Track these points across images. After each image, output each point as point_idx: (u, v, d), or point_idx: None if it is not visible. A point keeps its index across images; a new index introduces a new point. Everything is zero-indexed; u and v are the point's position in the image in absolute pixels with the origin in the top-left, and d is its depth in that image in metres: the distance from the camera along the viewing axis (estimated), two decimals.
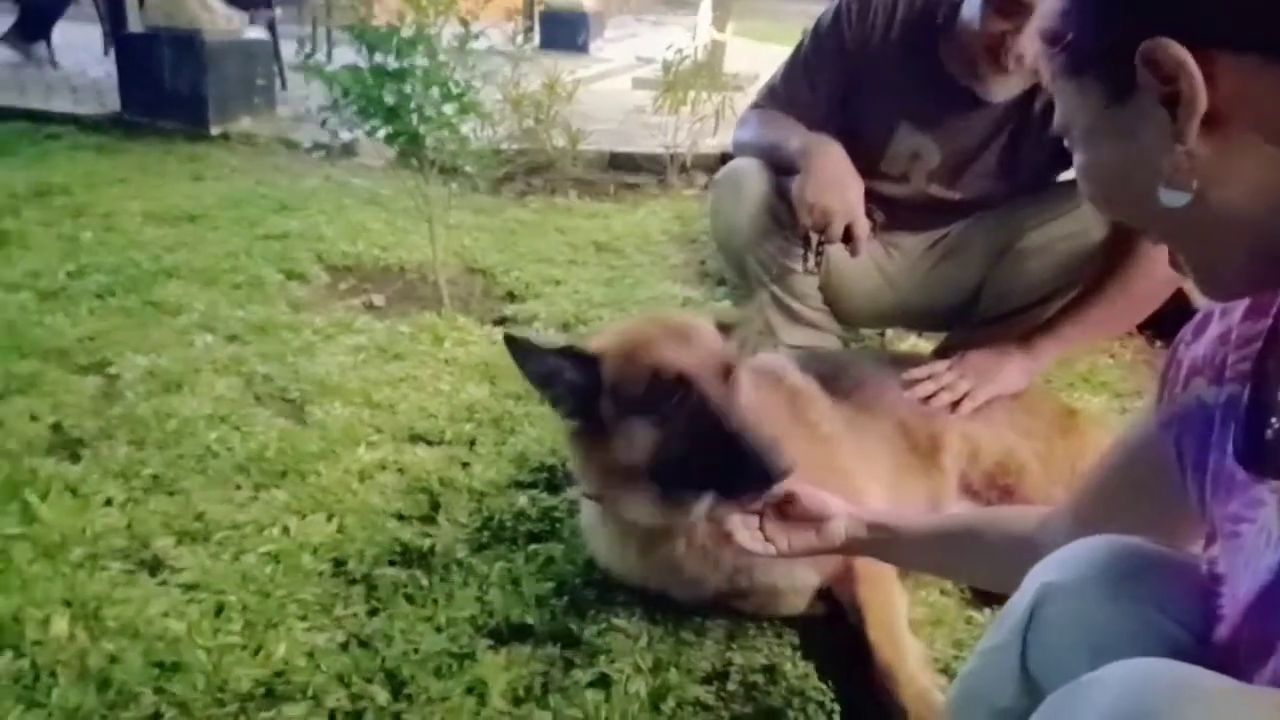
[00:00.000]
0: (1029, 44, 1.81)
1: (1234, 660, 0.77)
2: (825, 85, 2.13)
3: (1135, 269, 1.93)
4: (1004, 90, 1.95)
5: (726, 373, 1.37)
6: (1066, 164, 2.07)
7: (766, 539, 1.34)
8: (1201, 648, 0.82)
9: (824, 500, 1.33)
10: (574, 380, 1.40)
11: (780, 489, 1.32)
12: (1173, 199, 0.69)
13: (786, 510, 1.34)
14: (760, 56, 6.78)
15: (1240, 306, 0.82)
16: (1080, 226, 1.99)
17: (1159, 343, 2.76)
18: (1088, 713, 0.68)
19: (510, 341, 1.38)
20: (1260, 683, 0.71)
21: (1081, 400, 2.40)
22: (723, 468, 1.30)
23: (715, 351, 1.40)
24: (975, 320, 2.16)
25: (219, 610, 1.52)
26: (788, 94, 2.18)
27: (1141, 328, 2.67)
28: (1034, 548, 1.04)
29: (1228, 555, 0.80)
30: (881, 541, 1.31)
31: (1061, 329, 2.00)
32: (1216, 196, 0.68)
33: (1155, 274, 1.92)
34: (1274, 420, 0.75)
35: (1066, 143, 0.78)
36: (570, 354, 1.41)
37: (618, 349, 1.41)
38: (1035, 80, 1.94)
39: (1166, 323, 2.61)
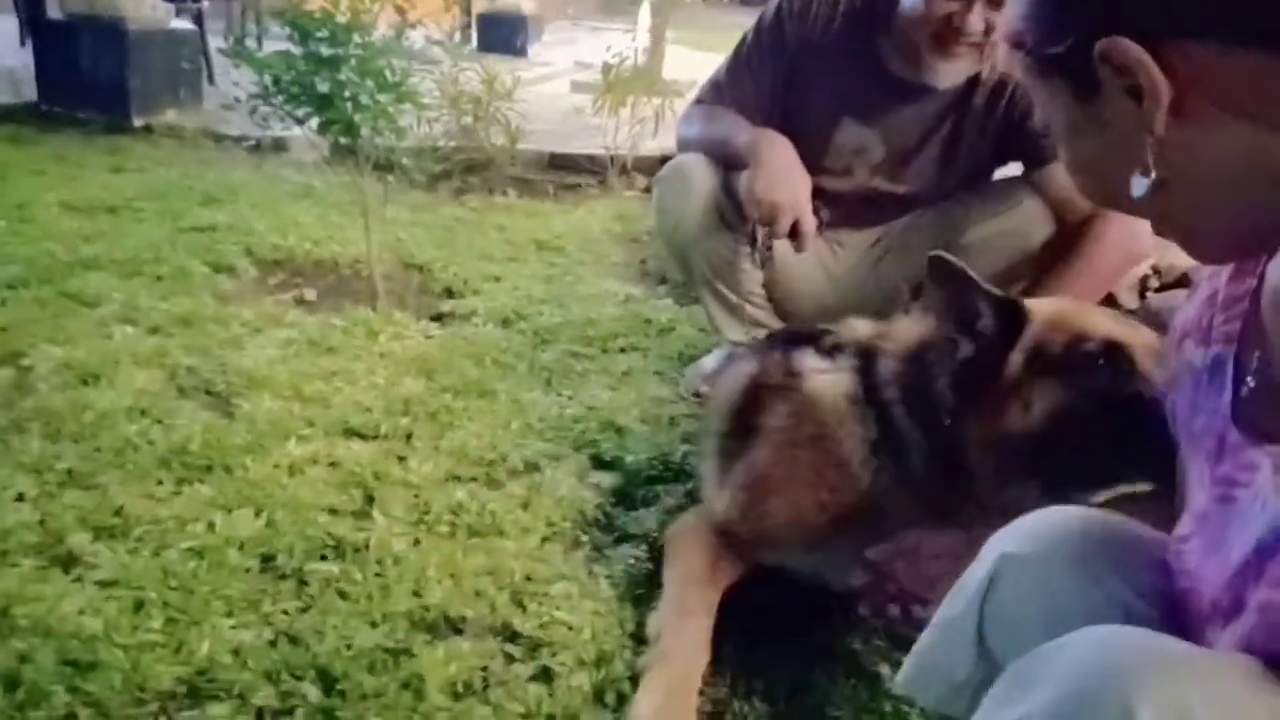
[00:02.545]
0: (976, 21, 1.84)
1: (1207, 622, 0.76)
2: (768, 81, 2.13)
3: (1077, 266, 1.96)
4: (951, 75, 1.97)
5: (1159, 357, 1.25)
6: (1007, 156, 2.11)
7: (924, 604, 1.21)
8: (1165, 622, 0.82)
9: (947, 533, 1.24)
10: (987, 327, 1.32)
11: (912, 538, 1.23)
12: (1143, 186, 0.69)
13: (918, 554, 1.25)
14: (697, 64, 6.81)
15: (1227, 268, 0.82)
16: (1019, 224, 2.02)
17: None
18: (1053, 677, 0.67)
19: (940, 262, 1.31)
20: (1225, 643, 0.71)
21: None
22: (1125, 449, 1.19)
23: (1150, 335, 1.31)
24: None
25: (138, 607, 1.44)
26: (731, 89, 2.17)
27: None
28: None
29: (1214, 518, 0.78)
30: None
31: None
32: (1195, 176, 0.69)
33: (1096, 271, 1.96)
34: (1249, 379, 0.76)
35: (1051, 138, 0.79)
36: (999, 300, 1.32)
37: (1049, 314, 1.34)
38: (978, 69, 1.97)
39: None
